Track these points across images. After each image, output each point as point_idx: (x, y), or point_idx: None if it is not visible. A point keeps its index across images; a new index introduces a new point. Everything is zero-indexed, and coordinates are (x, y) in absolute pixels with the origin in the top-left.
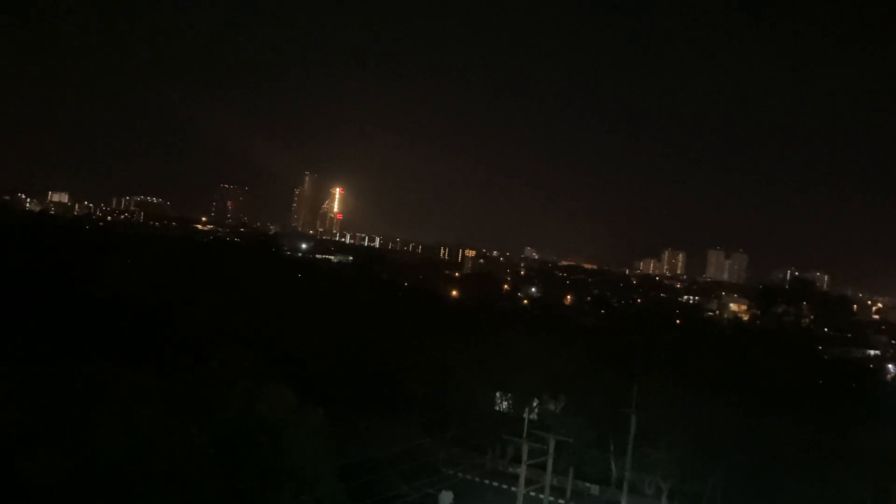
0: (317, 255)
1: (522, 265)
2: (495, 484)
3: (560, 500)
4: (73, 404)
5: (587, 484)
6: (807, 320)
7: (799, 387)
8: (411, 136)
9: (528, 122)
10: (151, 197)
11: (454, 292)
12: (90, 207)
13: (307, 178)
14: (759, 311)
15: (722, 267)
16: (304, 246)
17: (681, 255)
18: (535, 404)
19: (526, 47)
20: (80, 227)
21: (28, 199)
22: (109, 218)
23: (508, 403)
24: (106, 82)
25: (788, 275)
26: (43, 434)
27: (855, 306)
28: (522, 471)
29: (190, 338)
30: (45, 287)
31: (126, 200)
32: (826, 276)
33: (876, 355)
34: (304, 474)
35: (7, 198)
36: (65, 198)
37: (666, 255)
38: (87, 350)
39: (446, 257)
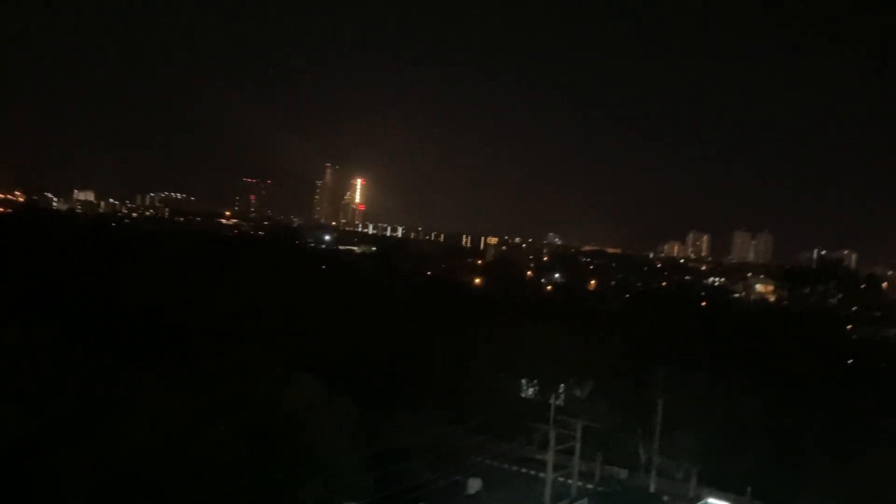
0: (340, 247)
1: (545, 251)
2: (523, 470)
3: (588, 485)
4: (101, 400)
5: (615, 469)
6: (835, 300)
7: (827, 368)
8: (431, 125)
9: (549, 108)
10: (176, 193)
11: (477, 280)
12: (115, 205)
13: (328, 170)
14: (785, 292)
15: (747, 248)
16: (327, 237)
17: (705, 237)
18: (560, 390)
19: (545, 34)
20: (106, 225)
21: (55, 199)
22: (135, 214)
23: (534, 390)
24: (127, 80)
25: (815, 254)
26: (71, 430)
27: (885, 284)
28: (550, 456)
29: (216, 332)
30: (72, 285)
31: (150, 197)
32: (854, 255)
33: None
34: (331, 465)
35: (34, 197)
36: (90, 196)
37: (690, 237)
38: (113, 346)
39: (468, 245)
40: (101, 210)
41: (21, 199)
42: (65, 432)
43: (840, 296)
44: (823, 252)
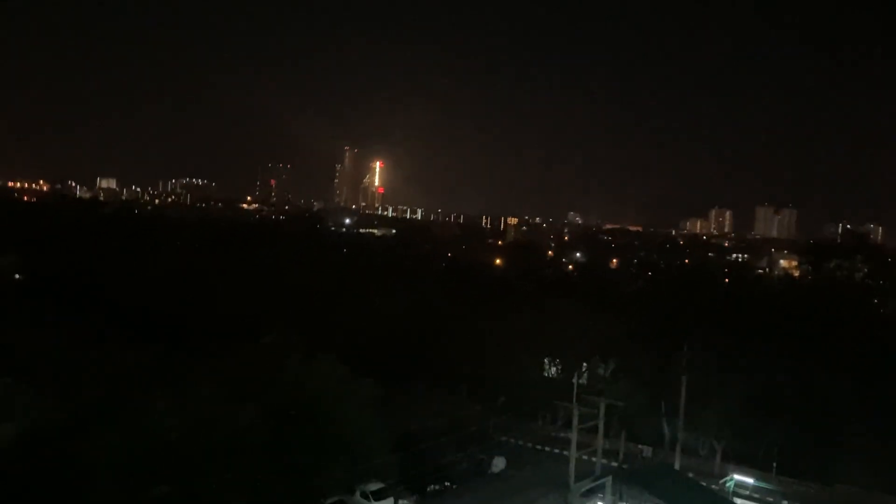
0: (360, 230)
1: (566, 231)
2: (547, 449)
3: (613, 463)
4: (130, 385)
5: (640, 446)
6: (861, 274)
7: (854, 343)
8: (450, 107)
9: (568, 87)
10: (197, 179)
11: (498, 261)
12: (138, 192)
13: (347, 154)
14: (810, 267)
15: (771, 223)
16: (347, 221)
17: (728, 213)
18: (584, 369)
19: (562, 12)
20: (130, 212)
21: (78, 187)
22: (157, 201)
23: (557, 369)
24: (148, 68)
25: (840, 228)
26: (103, 414)
27: None
28: (574, 435)
29: (240, 316)
30: (99, 273)
31: (172, 183)
32: (880, 229)
33: None
34: (357, 446)
35: (59, 186)
36: (113, 183)
37: (713, 213)
38: (141, 332)
39: (489, 226)
40: (123, 197)
41: (45, 189)
42: (95, 416)
43: (866, 270)
44: (849, 226)
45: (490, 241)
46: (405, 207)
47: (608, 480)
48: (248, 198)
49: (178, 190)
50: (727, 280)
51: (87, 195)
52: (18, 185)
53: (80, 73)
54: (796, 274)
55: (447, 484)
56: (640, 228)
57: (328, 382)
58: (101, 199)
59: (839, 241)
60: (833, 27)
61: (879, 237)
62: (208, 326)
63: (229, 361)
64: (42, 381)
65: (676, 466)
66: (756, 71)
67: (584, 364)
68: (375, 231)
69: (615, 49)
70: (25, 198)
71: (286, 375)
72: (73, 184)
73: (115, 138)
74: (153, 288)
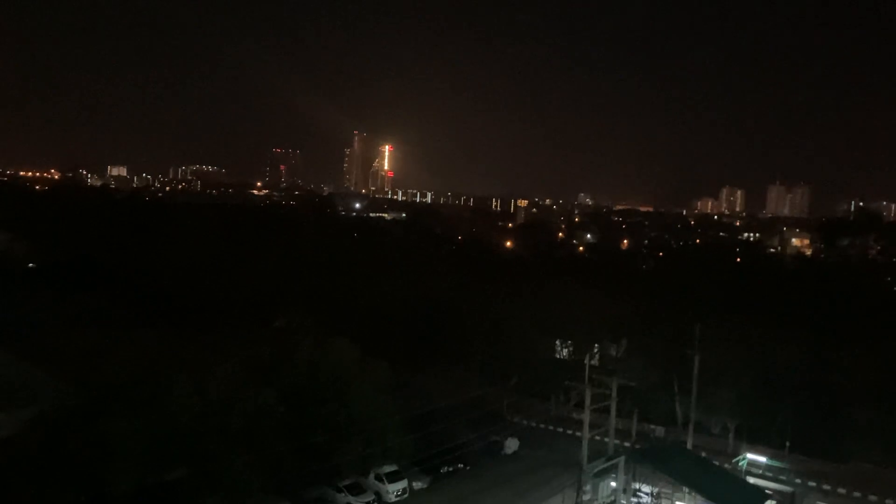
0: (370, 214)
1: (576, 211)
2: (560, 430)
3: (625, 443)
4: (147, 368)
5: (652, 426)
6: (874, 252)
7: (867, 321)
8: (458, 90)
9: (577, 66)
10: (207, 165)
11: (508, 243)
12: (149, 179)
13: (356, 138)
14: (822, 245)
15: (783, 202)
16: (357, 205)
17: (739, 192)
18: (595, 350)
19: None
20: (141, 199)
21: (89, 175)
22: (168, 188)
23: (569, 350)
24: (156, 55)
25: (853, 206)
26: (120, 397)
27: None
28: (586, 416)
29: (255, 300)
30: (112, 259)
31: (182, 170)
32: (893, 206)
33: None
34: (371, 427)
35: (69, 174)
36: (123, 171)
37: (724, 192)
38: (159, 317)
39: (498, 208)
40: (134, 185)
41: (56, 177)
42: (113, 400)
43: (879, 248)
44: (861, 203)
45: (500, 222)
46: (415, 191)
47: (621, 460)
48: (258, 183)
49: (188, 176)
50: (739, 259)
51: (99, 183)
52: (30, 174)
53: (90, 61)
54: (808, 252)
55: (460, 465)
56: (650, 208)
57: (342, 365)
58: (113, 186)
59: (852, 218)
60: (840, 8)
61: (893, 215)
62: (222, 310)
63: (244, 344)
64: (59, 366)
65: (689, 446)
66: (767, 49)
67: (596, 345)
68: (386, 215)
69: (625, 28)
70: (38, 187)
71: (300, 358)
72: (85, 172)
73: (125, 126)
74: (167, 273)
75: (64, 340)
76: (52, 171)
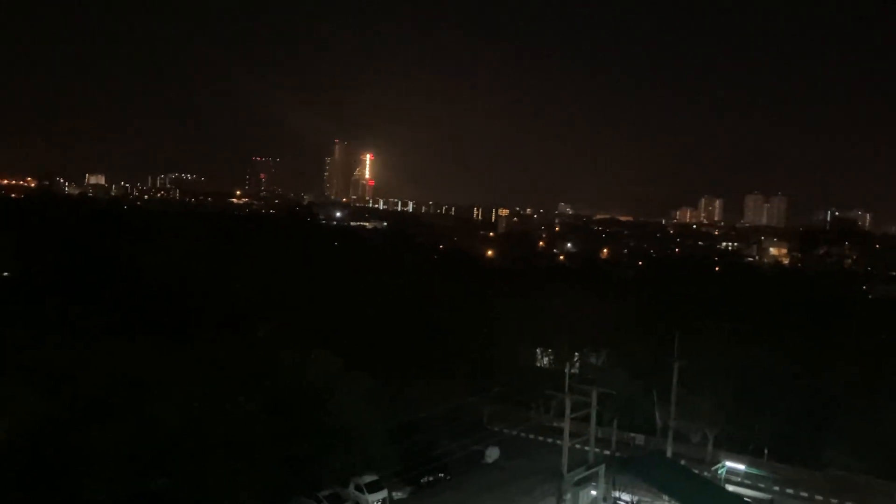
0: (351, 223)
1: (557, 221)
2: (540, 438)
3: (605, 452)
4: (130, 377)
5: (632, 435)
6: (850, 260)
7: (844, 328)
8: (438, 98)
9: (556, 77)
10: (186, 174)
11: (490, 252)
12: (127, 188)
13: (337, 146)
14: (799, 254)
15: (760, 211)
16: (338, 214)
17: (717, 202)
18: (576, 358)
19: (549, 5)
20: (119, 208)
21: (66, 183)
22: (146, 197)
23: (549, 359)
24: (134, 62)
25: (829, 215)
26: (101, 407)
27: None
28: (567, 424)
29: (236, 310)
30: (92, 268)
31: (161, 178)
32: (868, 215)
33: None
34: (353, 436)
35: (46, 183)
36: (101, 179)
37: (702, 202)
38: (140, 326)
39: (480, 218)
40: (112, 193)
41: (33, 185)
42: (94, 410)
43: (855, 256)
44: (837, 213)
45: (482, 232)
46: (396, 199)
47: (601, 469)
48: (238, 192)
49: (167, 185)
50: (718, 268)
51: (76, 191)
52: (5, 182)
53: (67, 69)
54: (786, 261)
55: (441, 475)
56: (630, 218)
57: (324, 374)
58: (90, 195)
59: (828, 227)
60: (819, 16)
61: (868, 224)
62: (204, 319)
63: (226, 354)
64: (38, 378)
65: (669, 454)
66: (742, 60)
67: (577, 353)
68: (367, 224)
69: (603, 41)
70: (13, 195)
71: (283, 368)
72: (62, 180)
73: (104, 134)
74: (147, 282)
75: (41, 351)
76: (29, 179)
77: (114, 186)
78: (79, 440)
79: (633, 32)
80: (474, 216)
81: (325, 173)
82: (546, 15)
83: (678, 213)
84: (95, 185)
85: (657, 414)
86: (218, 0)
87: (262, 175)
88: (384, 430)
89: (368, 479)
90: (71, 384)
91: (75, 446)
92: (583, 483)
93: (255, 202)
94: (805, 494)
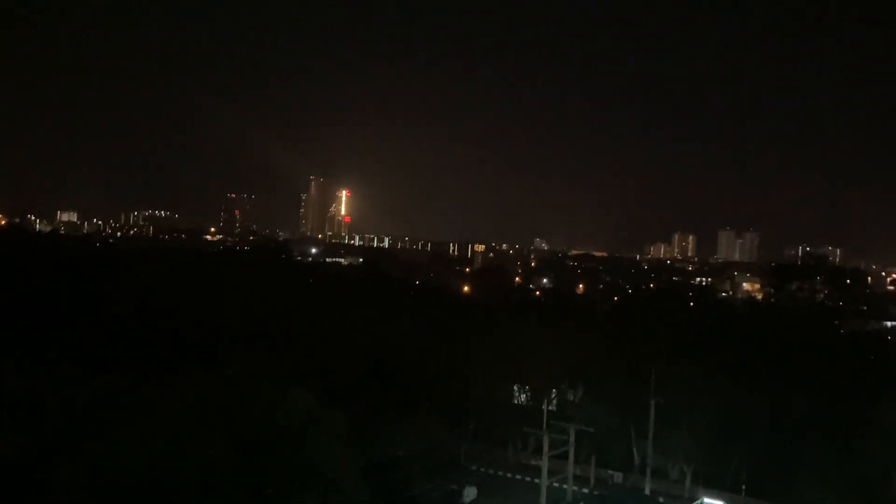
0: (327, 259)
1: (532, 257)
2: (518, 477)
3: (584, 489)
4: (94, 415)
5: (610, 472)
6: (821, 295)
7: (817, 363)
8: (414, 135)
9: (531, 114)
10: (159, 210)
11: (466, 287)
12: (99, 225)
13: (313, 183)
14: (772, 289)
15: (733, 247)
16: (313, 250)
17: (691, 238)
18: (553, 395)
19: (526, 38)
20: (91, 245)
21: (38, 221)
22: (119, 234)
23: (527, 396)
24: (108, 99)
25: (800, 251)
26: (64, 445)
27: (869, 279)
28: (545, 462)
29: (207, 346)
30: (60, 304)
31: (135, 215)
32: (838, 251)
33: (894, 326)
34: (328, 476)
35: (17, 220)
36: (74, 217)
37: (676, 238)
38: (106, 362)
39: (456, 253)
40: (85, 230)
41: (3, 223)
42: (58, 449)
43: (826, 291)
44: (808, 248)
45: (458, 267)
46: (372, 235)
47: None
48: (212, 228)
49: (141, 222)
50: (692, 304)
51: (48, 229)
52: None
53: (38, 103)
54: (759, 296)
55: None
56: (605, 254)
57: (297, 413)
58: (62, 232)
59: (800, 263)
60: (790, 48)
61: (838, 259)
62: (172, 357)
63: (196, 392)
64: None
65: (647, 491)
66: (716, 97)
67: (554, 390)
68: (342, 260)
69: (577, 76)
70: None
71: (255, 406)
72: (33, 217)
73: (76, 171)
74: (116, 318)
75: (8, 387)
76: None
77: (86, 223)
78: (42, 480)
79: (607, 70)
80: (450, 251)
81: (301, 210)
82: (520, 52)
83: (652, 248)
84: (67, 223)
85: (635, 450)
86: (192, 37)
87: (236, 212)
88: (359, 469)
89: None
90: (36, 422)
91: (38, 487)
92: None
93: (230, 239)
94: None
